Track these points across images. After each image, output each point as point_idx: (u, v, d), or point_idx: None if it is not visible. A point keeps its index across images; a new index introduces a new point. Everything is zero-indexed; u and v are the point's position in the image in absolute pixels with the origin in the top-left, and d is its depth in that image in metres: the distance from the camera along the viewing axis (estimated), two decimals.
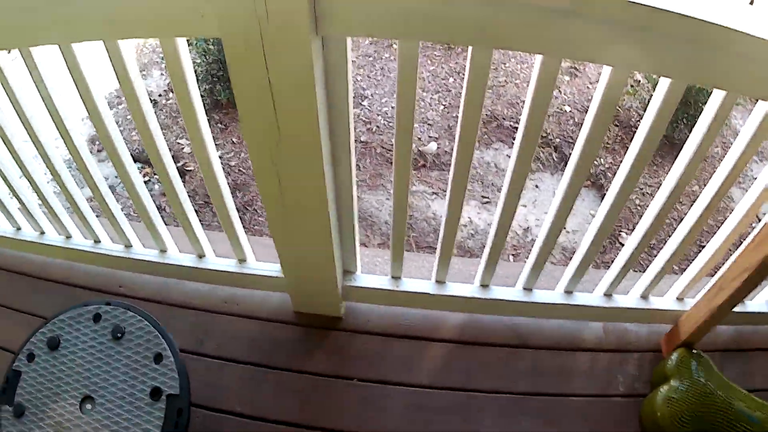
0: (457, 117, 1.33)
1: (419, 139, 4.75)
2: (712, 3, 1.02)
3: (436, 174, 4.53)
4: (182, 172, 4.36)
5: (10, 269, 2.19)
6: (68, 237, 2.11)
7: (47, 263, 2.19)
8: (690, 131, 1.35)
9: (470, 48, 1.17)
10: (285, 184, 1.45)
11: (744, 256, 1.58)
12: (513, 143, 1.41)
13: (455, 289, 1.94)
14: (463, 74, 1.24)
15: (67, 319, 1.60)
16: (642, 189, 4.45)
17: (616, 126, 4.86)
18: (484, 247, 1.79)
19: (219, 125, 4.85)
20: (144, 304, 1.84)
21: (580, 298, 1.95)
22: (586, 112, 1.31)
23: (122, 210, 1.95)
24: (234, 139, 4.75)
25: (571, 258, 1.83)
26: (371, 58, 5.59)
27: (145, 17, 1.17)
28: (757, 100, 1.26)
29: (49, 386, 1.51)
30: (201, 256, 2.01)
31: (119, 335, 1.56)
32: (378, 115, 4.99)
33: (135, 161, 1.79)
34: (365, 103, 5.12)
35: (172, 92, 5.01)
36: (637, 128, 1.34)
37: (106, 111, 1.52)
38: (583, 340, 1.99)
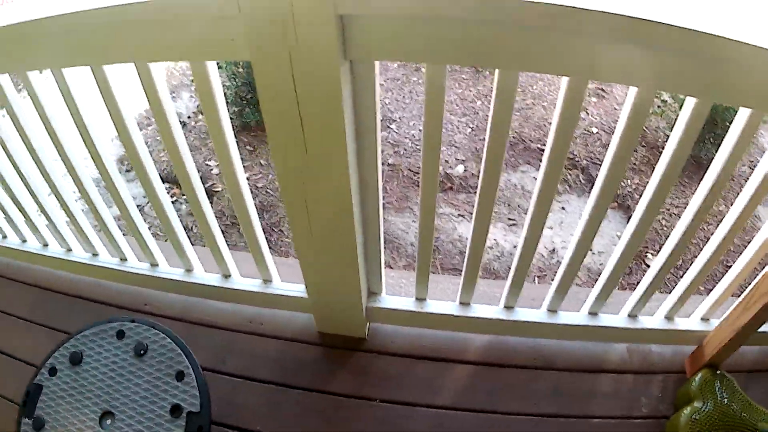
0: (484, 140, 1.33)
1: (446, 161, 4.75)
2: (737, 21, 1.02)
3: (463, 197, 4.53)
4: (210, 193, 4.40)
5: (39, 285, 2.23)
6: (95, 254, 2.14)
7: (75, 280, 2.21)
8: (717, 150, 1.34)
9: (497, 71, 1.17)
10: (312, 205, 1.46)
11: None
12: (540, 165, 1.40)
13: (480, 310, 1.93)
14: (491, 97, 1.24)
15: (90, 334, 1.62)
16: (669, 210, 4.41)
17: (643, 147, 4.83)
18: (509, 269, 1.78)
19: (247, 147, 4.90)
20: (169, 323, 1.87)
21: (605, 320, 1.92)
22: (613, 134, 1.31)
23: (149, 229, 1.98)
24: (262, 161, 4.78)
25: (596, 279, 1.81)
26: (399, 82, 5.62)
27: (177, 41, 1.19)
28: None
29: (70, 401, 1.52)
30: (226, 275, 2.03)
31: (142, 352, 1.57)
32: (406, 138, 5.00)
33: (163, 181, 1.81)
34: (393, 126, 5.14)
35: (201, 114, 5.07)
36: (664, 149, 1.33)
37: (135, 132, 1.54)
38: (607, 362, 1.97)
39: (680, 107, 1.23)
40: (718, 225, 1.58)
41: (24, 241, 2.23)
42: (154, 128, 4.95)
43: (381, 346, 2.00)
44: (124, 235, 2.06)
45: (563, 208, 4.46)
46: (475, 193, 1.50)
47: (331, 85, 1.14)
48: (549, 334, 1.99)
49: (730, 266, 1.77)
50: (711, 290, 1.87)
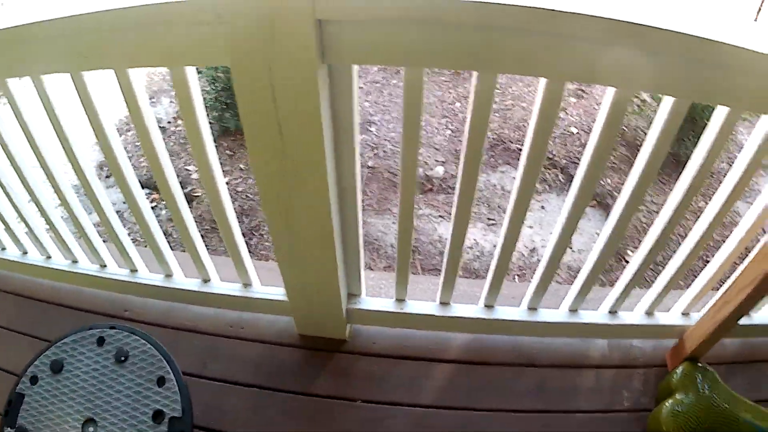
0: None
1: (426, 163, 4.77)
2: (712, 20, 1.03)
3: (443, 197, 4.54)
4: (190, 198, 4.38)
5: (20, 293, 2.20)
6: (75, 261, 2.13)
7: (56, 287, 2.20)
8: (695, 148, 1.36)
9: (474, 73, 1.18)
10: (291, 210, 1.47)
11: (749, 268, 1.58)
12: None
13: (460, 310, 1.94)
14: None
15: (71, 342, 1.61)
16: (648, 207, 4.45)
17: (623, 145, 4.87)
18: (489, 268, 1.80)
19: (227, 152, 4.88)
20: (149, 328, 1.85)
21: (585, 316, 1.94)
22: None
23: (129, 235, 1.97)
24: (242, 166, 4.77)
25: (576, 277, 1.83)
26: (379, 84, 5.63)
27: (156, 47, 1.19)
28: (761, 115, 1.27)
29: (52, 409, 1.51)
30: (206, 280, 2.02)
31: (123, 358, 1.57)
32: (385, 140, 5.01)
33: (144, 187, 1.81)
34: (372, 129, 5.15)
35: (181, 119, 5.05)
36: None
37: (114, 138, 1.54)
38: (588, 358, 1.99)
39: (659, 106, 1.25)
40: (697, 221, 1.60)
41: (3, 248, 2.21)
42: (135, 133, 4.92)
43: (362, 347, 2.00)
44: (104, 241, 2.05)
45: (543, 207, 4.49)
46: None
47: (309, 89, 1.14)
48: (529, 331, 2.01)
49: (710, 261, 1.79)
50: (691, 285, 1.90)
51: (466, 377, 1.94)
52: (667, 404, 1.74)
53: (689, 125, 4.44)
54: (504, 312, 1.94)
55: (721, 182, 1.46)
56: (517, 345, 2.01)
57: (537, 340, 2.02)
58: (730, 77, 1.10)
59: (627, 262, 4.03)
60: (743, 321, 1.72)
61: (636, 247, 4.11)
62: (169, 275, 2.05)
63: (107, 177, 4.66)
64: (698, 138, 1.34)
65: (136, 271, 2.07)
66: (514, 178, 4.40)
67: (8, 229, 2.05)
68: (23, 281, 2.23)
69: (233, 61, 1.13)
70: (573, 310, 1.94)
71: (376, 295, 1.99)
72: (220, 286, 2.03)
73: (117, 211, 1.87)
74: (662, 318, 1.96)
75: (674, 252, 1.74)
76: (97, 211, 1.80)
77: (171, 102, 5.52)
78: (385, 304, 1.96)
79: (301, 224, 1.51)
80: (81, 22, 1.16)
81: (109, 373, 1.56)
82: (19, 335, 2.05)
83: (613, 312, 1.95)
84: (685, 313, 1.95)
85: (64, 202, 1.81)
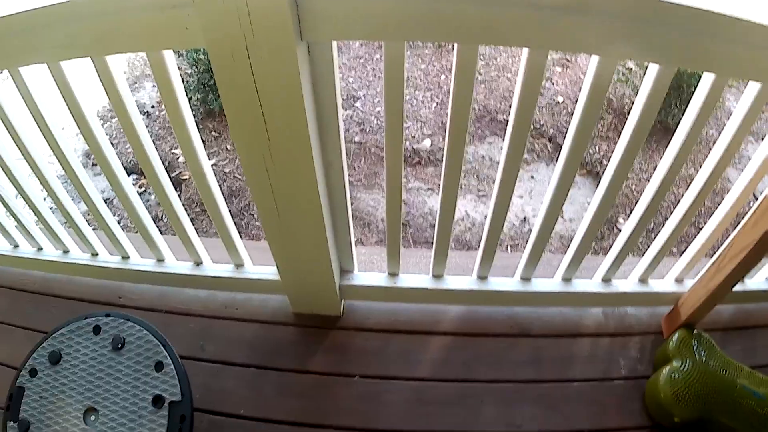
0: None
1: (413, 137, 4.75)
2: None
3: (432, 170, 4.53)
4: (178, 182, 4.36)
5: (12, 287, 2.20)
6: (66, 251, 2.12)
7: (48, 279, 2.19)
8: (683, 115, 1.36)
9: (456, 44, 1.17)
10: (277, 188, 1.46)
11: (742, 234, 1.59)
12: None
13: (453, 282, 1.95)
14: None
15: (67, 332, 1.60)
16: (638, 174, 4.46)
17: (610, 114, 4.86)
18: (481, 240, 1.80)
19: (213, 133, 4.85)
20: (144, 314, 1.86)
21: (579, 285, 1.95)
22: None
23: (119, 222, 1.96)
24: (228, 147, 4.74)
25: (569, 246, 1.84)
26: (362, 60, 5.59)
27: (131, 32, 1.17)
28: (748, 81, 1.26)
29: (53, 400, 1.52)
30: (198, 263, 2.02)
31: (119, 346, 1.57)
32: (371, 115, 4.98)
33: (131, 173, 1.80)
34: (357, 104, 5.11)
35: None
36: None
37: (97, 126, 1.53)
38: (584, 326, 2.00)
39: (646, 74, 1.24)
40: (687, 188, 1.61)
41: None
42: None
43: (357, 322, 2.01)
44: (94, 230, 2.04)
45: (532, 177, 4.49)
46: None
47: (289, 68, 1.13)
48: (524, 301, 2.02)
49: (702, 228, 1.80)
50: (684, 252, 1.91)
51: (461, 349, 1.96)
52: (664, 371, 1.75)
53: (676, 93, 4.43)
54: (497, 283, 1.95)
55: (710, 149, 1.47)
56: (511, 315, 2.02)
57: (531, 310, 2.03)
58: (714, 44, 1.09)
59: (619, 230, 4.05)
60: (737, 287, 1.73)
61: (628, 215, 4.13)
62: (160, 260, 2.05)
63: (94, 165, 4.63)
64: (686, 105, 1.34)
65: (128, 257, 2.07)
66: (502, 148, 4.40)
67: None
68: (15, 274, 2.22)
69: (209, 43, 1.11)
70: (566, 279, 1.95)
71: (369, 270, 2.00)
72: (212, 268, 2.03)
73: (106, 199, 1.87)
74: (656, 285, 1.97)
75: (666, 219, 1.75)
76: (84, 200, 1.79)
77: (154, 86, 5.46)
78: (377, 278, 1.96)
79: (289, 201, 1.51)
80: (53, 14, 1.15)
81: (106, 361, 1.56)
82: (14, 328, 2.06)
83: (606, 280, 1.96)
84: (678, 280, 1.96)
85: (51, 193, 1.80)
